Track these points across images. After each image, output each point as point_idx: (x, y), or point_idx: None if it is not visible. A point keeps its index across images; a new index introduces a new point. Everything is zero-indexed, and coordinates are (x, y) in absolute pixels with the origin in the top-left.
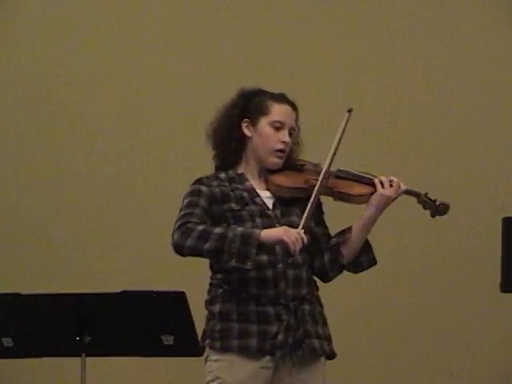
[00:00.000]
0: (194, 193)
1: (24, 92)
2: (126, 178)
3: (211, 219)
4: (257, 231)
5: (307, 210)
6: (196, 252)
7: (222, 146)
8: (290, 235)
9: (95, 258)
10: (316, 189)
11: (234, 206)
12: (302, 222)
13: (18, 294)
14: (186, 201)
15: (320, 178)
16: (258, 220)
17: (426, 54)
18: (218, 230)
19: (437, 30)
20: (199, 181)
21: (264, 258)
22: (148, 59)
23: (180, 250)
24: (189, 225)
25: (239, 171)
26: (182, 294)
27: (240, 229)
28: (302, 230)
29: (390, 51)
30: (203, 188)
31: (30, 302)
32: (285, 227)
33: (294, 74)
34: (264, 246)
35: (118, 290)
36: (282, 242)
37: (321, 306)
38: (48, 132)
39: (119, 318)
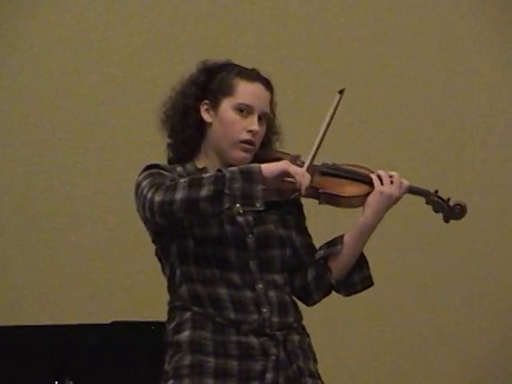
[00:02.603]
0: (154, 173)
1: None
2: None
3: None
4: (255, 165)
5: (314, 147)
6: (190, 203)
7: (175, 134)
8: (295, 167)
9: (79, 281)
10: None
11: None
12: (307, 161)
13: None
14: (146, 181)
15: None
16: (228, 227)
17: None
18: (206, 174)
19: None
20: (155, 166)
21: (235, 275)
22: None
23: (168, 206)
24: (167, 184)
25: (199, 165)
26: None
27: (232, 167)
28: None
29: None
30: (164, 172)
31: None
32: (286, 161)
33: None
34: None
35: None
36: (285, 174)
37: (308, 335)
38: None
39: (109, 356)
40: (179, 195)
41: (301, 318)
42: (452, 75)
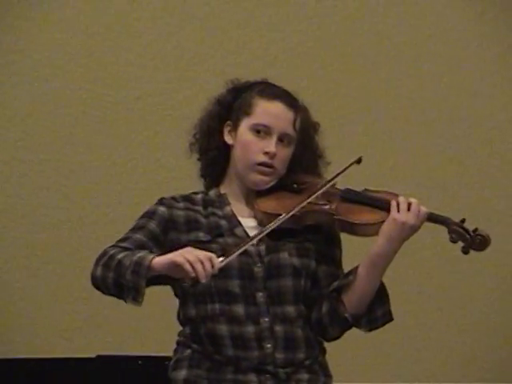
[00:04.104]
0: (147, 214)
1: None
2: None
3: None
4: (149, 257)
5: (253, 236)
6: (103, 289)
7: (201, 157)
8: (188, 255)
9: (63, 314)
10: (290, 212)
11: (201, 236)
12: (232, 255)
13: None
14: (133, 224)
15: (308, 199)
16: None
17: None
18: (121, 255)
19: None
20: (160, 201)
21: (239, 309)
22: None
23: (93, 282)
24: (108, 249)
25: (222, 191)
26: None
27: (140, 254)
28: (221, 259)
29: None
30: (161, 209)
31: None
32: (189, 248)
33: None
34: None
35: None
36: (174, 266)
37: (328, 375)
38: None
39: None
40: (97, 272)
41: (320, 354)
42: None
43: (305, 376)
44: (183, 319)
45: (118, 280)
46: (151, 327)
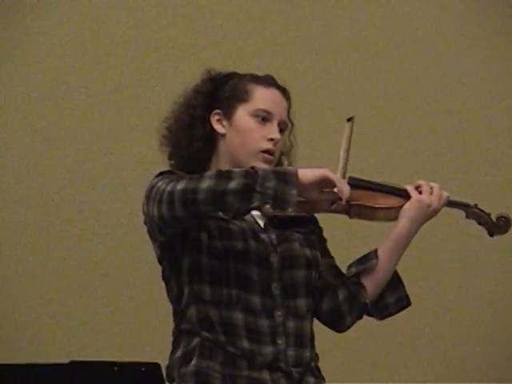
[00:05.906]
0: (171, 174)
1: None
2: None
3: (184, 231)
4: (291, 167)
5: (343, 154)
6: (216, 195)
7: (180, 150)
8: (332, 174)
9: (35, 318)
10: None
11: (221, 213)
12: (340, 167)
13: None
14: (162, 180)
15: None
16: (252, 242)
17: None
18: (235, 169)
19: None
20: (170, 171)
21: (255, 299)
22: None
23: (191, 195)
24: (190, 176)
25: None
26: (156, 366)
27: (264, 167)
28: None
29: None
30: (180, 173)
31: None
32: (325, 168)
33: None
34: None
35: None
36: (326, 181)
37: (324, 379)
38: None
39: None
40: (205, 184)
41: (317, 358)
42: None
43: (311, 379)
44: (188, 299)
45: (252, 187)
46: (127, 332)
